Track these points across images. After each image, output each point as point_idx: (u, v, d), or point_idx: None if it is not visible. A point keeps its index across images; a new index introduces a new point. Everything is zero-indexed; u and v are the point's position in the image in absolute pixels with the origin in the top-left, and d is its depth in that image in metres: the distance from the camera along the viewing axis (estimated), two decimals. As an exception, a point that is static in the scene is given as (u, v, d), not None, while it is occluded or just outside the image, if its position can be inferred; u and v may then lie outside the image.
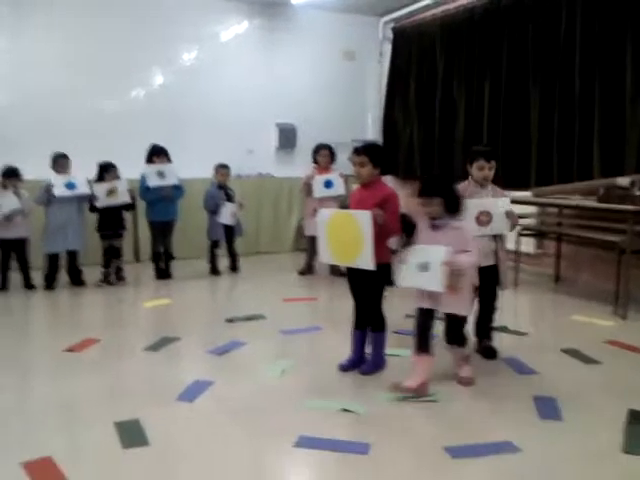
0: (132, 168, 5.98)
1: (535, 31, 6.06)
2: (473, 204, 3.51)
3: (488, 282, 3.63)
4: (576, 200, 5.32)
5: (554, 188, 5.67)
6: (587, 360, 3.77)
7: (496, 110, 6.56)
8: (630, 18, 5.17)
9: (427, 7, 7.56)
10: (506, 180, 5.67)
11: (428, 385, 3.23)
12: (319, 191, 6.00)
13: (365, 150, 3.46)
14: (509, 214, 3.60)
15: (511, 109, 6.37)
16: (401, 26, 8.19)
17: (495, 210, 3.57)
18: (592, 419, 2.94)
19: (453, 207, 3.13)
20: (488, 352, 3.76)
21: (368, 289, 3.46)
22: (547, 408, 3.04)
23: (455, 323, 3.31)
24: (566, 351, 3.91)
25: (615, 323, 4.58)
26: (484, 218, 3.55)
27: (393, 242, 3.37)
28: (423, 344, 3.25)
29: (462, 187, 3.62)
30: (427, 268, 3.01)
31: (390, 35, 8.39)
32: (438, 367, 3.39)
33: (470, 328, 3.68)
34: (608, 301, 4.90)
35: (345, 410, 3.02)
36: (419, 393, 3.16)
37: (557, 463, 2.55)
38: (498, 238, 3.69)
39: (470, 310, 3.38)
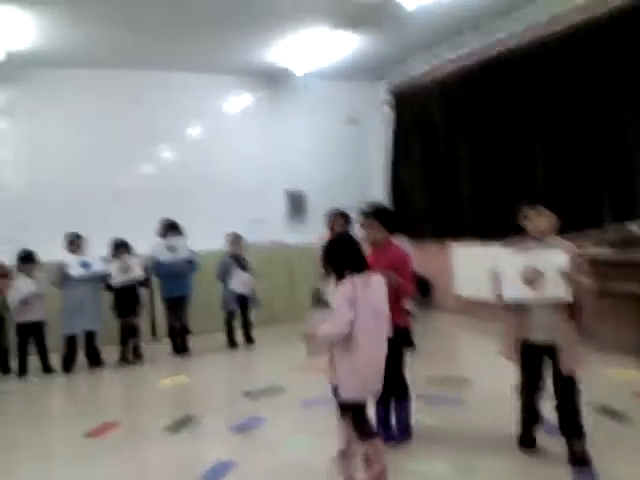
0: (146, 243, 6.08)
1: (529, 86, 6.16)
2: (517, 258, 3.00)
3: (553, 363, 3.04)
4: (593, 249, 5.25)
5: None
6: (619, 416, 3.63)
7: (500, 165, 6.61)
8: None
9: (424, 69, 7.74)
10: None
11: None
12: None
13: (373, 212, 3.49)
14: (564, 274, 2.85)
15: (515, 162, 6.41)
16: (400, 89, 8.37)
17: (545, 267, 2.87)
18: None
19: (337, 271, 2.90)
20: (578, 460, 2.97)
21: (387, 355, 3.38)
22: (584, 474, 2.91)
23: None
24: (598, 408, 3.78)
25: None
26: (531, 276, 2.92)
27: (409, 303, 3.30)
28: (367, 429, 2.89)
29: (517, 243, 3.16)
30: None
31: (390, 98, 8.57)
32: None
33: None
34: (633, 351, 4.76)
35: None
36: None
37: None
38: (560, 307, 2.95)
39: (346, 392, 2.85)
